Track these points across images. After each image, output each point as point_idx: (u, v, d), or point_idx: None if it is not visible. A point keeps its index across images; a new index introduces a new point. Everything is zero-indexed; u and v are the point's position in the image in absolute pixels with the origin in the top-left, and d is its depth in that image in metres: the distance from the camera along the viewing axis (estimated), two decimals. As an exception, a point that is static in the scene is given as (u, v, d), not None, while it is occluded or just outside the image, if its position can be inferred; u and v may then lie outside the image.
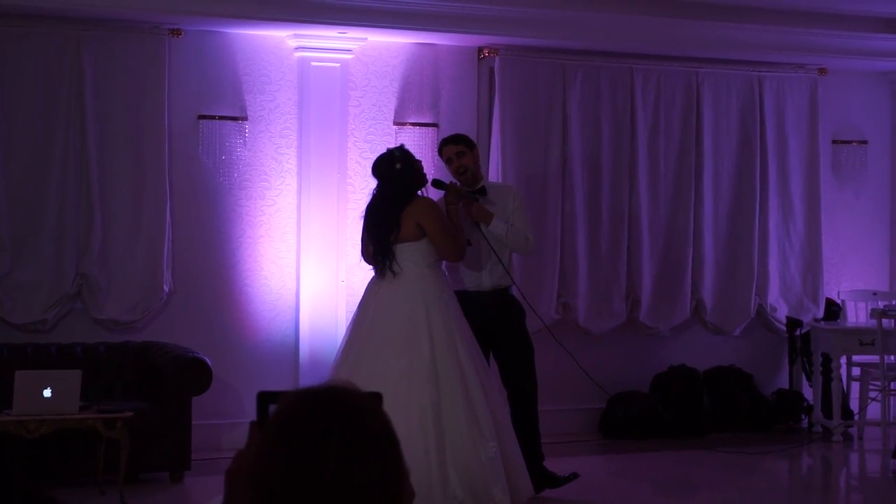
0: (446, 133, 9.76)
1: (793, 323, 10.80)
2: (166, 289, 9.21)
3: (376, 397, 1.78)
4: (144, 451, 8.09)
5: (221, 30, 9.37)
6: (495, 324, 7.89)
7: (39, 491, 1.62)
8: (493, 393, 7.41)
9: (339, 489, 1.65)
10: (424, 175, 7.62)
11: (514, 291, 8.10)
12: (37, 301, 8.92)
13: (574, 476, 7.98)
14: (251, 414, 2.25)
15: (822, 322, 10.75)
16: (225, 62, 9.45)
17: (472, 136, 9.92)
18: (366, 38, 9.59)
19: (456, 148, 7.95)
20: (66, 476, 7.99)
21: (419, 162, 7.62)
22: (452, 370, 7.17)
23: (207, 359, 8.53)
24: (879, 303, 10.66)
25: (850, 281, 11.33)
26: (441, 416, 7.06)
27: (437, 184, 7.83)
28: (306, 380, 9.27)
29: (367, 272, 7.95)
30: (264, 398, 1.84)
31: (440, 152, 8.08)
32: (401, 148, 7.62)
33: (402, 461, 1.72)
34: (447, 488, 6.93)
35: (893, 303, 10.59)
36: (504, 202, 7.96)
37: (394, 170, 7.49)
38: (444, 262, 7.61)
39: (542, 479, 7.87)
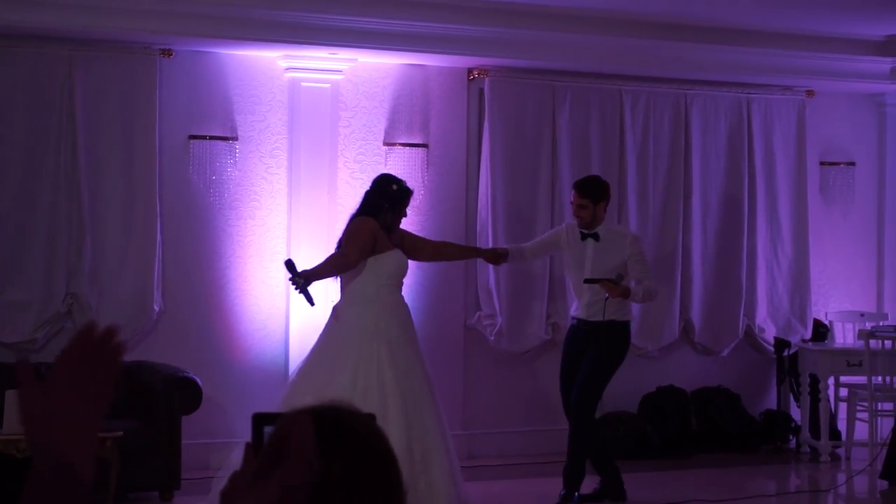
0: (436, 153, 9.85)
1: (781, 343, 10.83)
2: (156, 308, 9.21)
3: (371, 417, 1.80)
4: (134, 471, 8.09)
5: (212, 50, 9.40)
6: (589, 347, 8.24)
7: None
8: (431, 415, 7.44)
9: None
10: (386, 227, 7.71)
11: None
12: (27, 320, 8.92)
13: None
14: (241, 433, 2.28)
15: (810, 343, 10.79)
16: (216, 82, 9.47)
17: (462, 157, 10.02)
18: (356, 59, 9.62)
19: (580, 200, 8.26)
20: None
21: (392, 215, 7.74)
22: (374, 392, 7.29)
23: (198, 378, 8.55)
24: (867, 324, 10.71)
25: (838, 302, 11.37)
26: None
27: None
28: (296, 399, 9.26)
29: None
30: (259, 420, 1.86)
31: None
32: (393, 184, 7.83)
33: (401, 479, 1.75)
34: None
35: (881, 323, 10.64)
36: (619, 246, 8.23)
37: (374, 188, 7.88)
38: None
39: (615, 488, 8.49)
